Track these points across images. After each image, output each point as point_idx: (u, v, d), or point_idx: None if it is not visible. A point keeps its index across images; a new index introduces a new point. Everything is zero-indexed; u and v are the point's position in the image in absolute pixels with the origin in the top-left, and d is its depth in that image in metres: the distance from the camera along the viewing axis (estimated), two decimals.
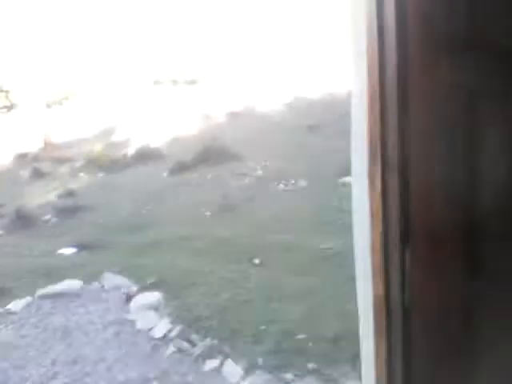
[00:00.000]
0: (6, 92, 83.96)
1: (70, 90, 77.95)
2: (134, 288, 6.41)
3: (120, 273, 8.32)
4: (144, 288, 7.14)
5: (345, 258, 7.28)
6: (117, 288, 6.45)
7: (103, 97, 67.37)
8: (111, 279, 6.70)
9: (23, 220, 16.47)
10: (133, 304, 5.87)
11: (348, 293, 5.99)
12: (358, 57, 1.97)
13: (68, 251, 12.50)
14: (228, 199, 14.30)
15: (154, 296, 6.04)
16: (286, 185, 14.92)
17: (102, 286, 6.48)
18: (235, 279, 7.29)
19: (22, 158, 33.85)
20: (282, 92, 47.16)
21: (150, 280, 8.27)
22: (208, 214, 13.73)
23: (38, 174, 26.44)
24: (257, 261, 7.98)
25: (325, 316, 5.56)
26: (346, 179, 13.94)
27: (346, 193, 12.01)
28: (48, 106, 75.72)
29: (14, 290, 9.24)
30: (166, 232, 12.59)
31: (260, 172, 18.48)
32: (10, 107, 74.94)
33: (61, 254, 12.43)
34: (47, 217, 17.41)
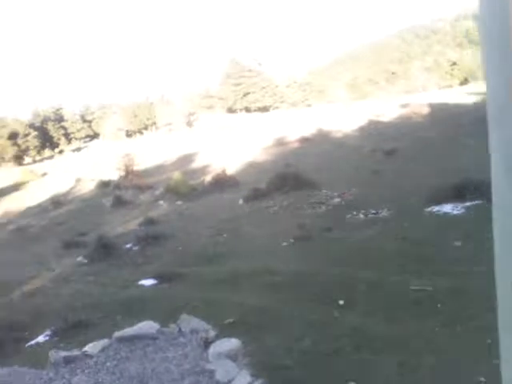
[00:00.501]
0: (90, 122, 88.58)
1: (149, 120, 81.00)
2: (212, 332, 6.14)
3: (198, 309, 8.15)
4: (222, 329, 6.88)
5: (441, 303, 6.67)
6: (194, 331, 6.20)
7: (180, 125, 69.44)
8: (188, 321, 6.47)
9: (106, 249, 16.93)
10: (211, 350, 5.59)
11: (443, 349, 5.43)
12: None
13: (148, 282, 12.57)
14: (304, 229, 13.91)
15: (232, 343, 5.73)
16: (366, 214, 14.24)
17: (180, 329, 6.26)
18: (318, 322, 6.84)
19: (104, 185, 35.48)
20: (355, 115, 46.53)
21: (229, 320, 8.01)
22: (284, 244, 13.39)
23: (119, 202, 27.48)
24: (341, 301, 7.47)
25: (420, 372, 5.01)
26: (434, 208, 13.13)
27: (434, 224, 11.26)
28: (128, 135, 79.17)
29: (94, 325, 9.35)
30: (243, 264, 12.36)
31: (337, 200, 17.98)
32: (93, 136, 78.58)
33: (141, 286, 12.51)
34: (128, 245, 17.81)
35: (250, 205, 20.54)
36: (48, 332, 9.71)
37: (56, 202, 32.53)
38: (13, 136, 78.41)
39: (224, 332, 6.59)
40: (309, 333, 6.46)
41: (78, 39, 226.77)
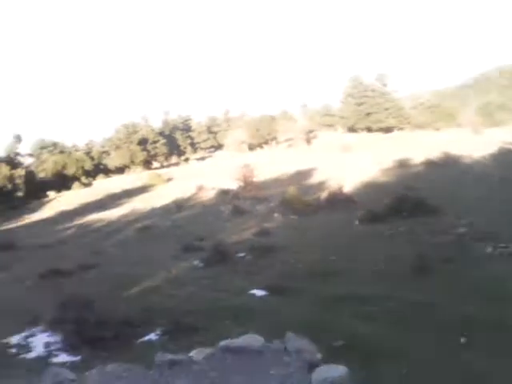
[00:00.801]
0: (215, 133, 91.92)
1: (270, 135, 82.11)
2: (318, 355, 5.93)
3: (306, 327, 7.98)
4: (330, 352, 6.65)
5: None
6: (299, 352, 6.02)
7: (300, 141, 69.75)
8: (294, 340, 6.31)
9: (221, 255, 17.43)
10: (315, 376, 5.37)
11: None
12: None
13: (259, 293, 12.71)
14: (423, 258, 13.12)
15: (339, 370, 5.47)
16: (494, 248, 13.13)
17: (285, 348, 6.13)
18: (437, 361, 6.34)
19: (224, 194, 36.67)
20: (486, 142, 43.52)
21: (337, 343, 7.76)
22: (400, 271, 12.78)
23: (237, 211, 28.24)
24: (462, 339, 6.87)
25: None
26: None
27: None
28: (250, 148, 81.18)
29: (204, 329, 9.60)
30: (354, 286, 12.01)
31: (462, 230, 16.75)
32: (217, 147, 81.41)
33: (252, 295, 12.67)
34: (242, 254, 18.17)
35: (364, 226, 19.99)
36: (159, 331, 10.17)
37: (179, 205, 34.22)
38: (143, 142, 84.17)
39: (331, 355, 6.36)
40: (426, 374, 6.00)
41: (214, 51, 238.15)
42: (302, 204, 27.26)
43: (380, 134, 70.86)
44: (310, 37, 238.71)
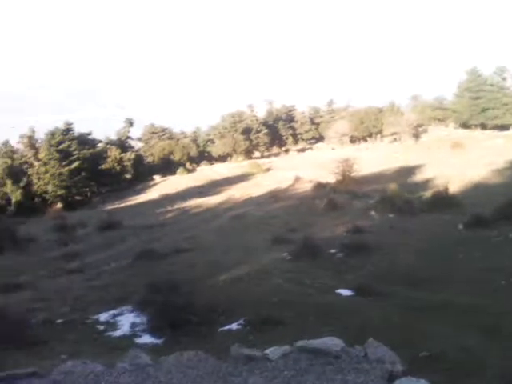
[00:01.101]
0: (317, 124, 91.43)
1: (375, 128, 79.91)
2: (400, 366, 5.44)
3: (390, 334, 7.44)
4: (414, 363, 6.12)
5: None
6: (380, 360, 5.58)
7: (407, 136, 66.96)
8: (376, 347, 5.86)
9: (311, 250, 17.03)
10: None
11: None
12: None
13: (346, 292, 12.17)
14: None
15: None
16: None
17: (365, 354, 5.71)
18: None
19: (320, 187, 36.14)
20: None
21: (423, 353, 7.19)
22: (503, 282, 11.64)
23: (332, 206, 27.59)
24: None
25: None
26: None
27: None
28: (352, 141, 79.55)
29: (285, 324, 9.33)
30: (450, 294, 11.11)
31: None
32: (318, 139, 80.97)
33: (338, 294, 12.19)
34: (333, 250, 17.61)
35: (469, 231, 18.53)
36: (241, 321, 10.07)
37: (275, 196, 34.31)
38: (246, 131, 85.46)
39: (415, 367, 5.84)
40: None
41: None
42: (403, 202, 26.01)
43: (495, 132, 66.08)
44: (424, 25, 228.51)
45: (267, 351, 5.85)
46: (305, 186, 37.68)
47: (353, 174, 36.53)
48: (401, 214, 23.99)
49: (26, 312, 10.10)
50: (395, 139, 70.99)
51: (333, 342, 5.99)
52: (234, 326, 9.85)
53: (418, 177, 37.29)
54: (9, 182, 57.09)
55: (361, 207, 27.24)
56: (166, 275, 13.66)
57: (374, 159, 48.44)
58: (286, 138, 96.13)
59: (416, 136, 66.95)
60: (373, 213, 25.37)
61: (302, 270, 15.17)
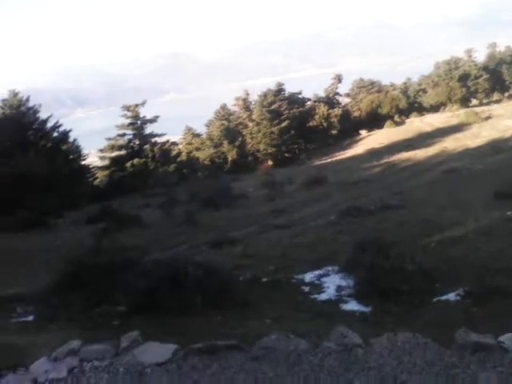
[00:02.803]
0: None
1: None
2: None
3: None
4: None
5: None
6: None
7: None
8: None
9: None
10: None
11: None
12: None
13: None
14: None
15: None
16: None
17: None
18: None
19: None
20: None
21: None
22: None
23: None
24: None
25: None
26: None
27: None
28: None
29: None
30: None
31: None
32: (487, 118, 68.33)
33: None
34: None
35: None
36: (460, 291, 8.71)
37: (495, 147, 30.42)
38: (463, 78, 78.04)
39: None
40: None
41: None
42: None
43: None
44: None
45: (502, 338, 4.67)
46: None
47: None
48: None
49: (234, 269, 10.30)
50: None
51: None
52: (451, 297, 8.55)
53: None
54: (225, 142, 62.06)
55: None
56: (374, 233, 12.81)
57: None
58: (510, 83, 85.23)
59: None
60: None
61: None
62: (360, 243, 11.37)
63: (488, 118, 52.21)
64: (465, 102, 77.11)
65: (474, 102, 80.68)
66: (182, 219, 20.15)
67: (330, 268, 11.11)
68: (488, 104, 73.71)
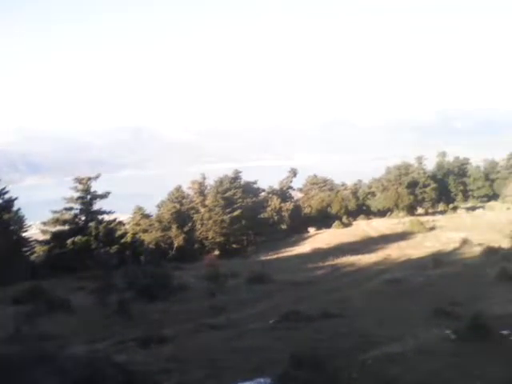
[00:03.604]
0: (492, 181, 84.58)
1: None
2: None
3: None
4: None
5: None
6: None
7: None
8: None
9: (479, 328, 14.64)
10: None
11: None
12: None
13: None
14: None
15: None
16: None
17: None
18: None
19: (492, 253, 32.14)
20: None
21: None
22: None
23: (505, 276, 24.03)
24: None
25: None
26: None
27: None
28: None
29: None
30: None
31: None
32: (491, 197, 74.37)
33: None
34: (506, 331, 14.96)
35: None
36: None
37: (437, 260, 31.32)
38: (412, 185, 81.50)
39: None
40: None
41: None
42: None
43: None
44: None
45: None
46: (473, 251, 33.97)
47: None
48: None
49: (159, 373, 9.70)
50: None
51: None
52: None
53: None
54: (175, 226, 61.32)
55: None
56: (312, 343, 12.52)
57: None
58: (455, 195, 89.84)
59: None
60: None
61: (468, 354, 12.92)
62: (295, 355, 11.02)
63: (432, 228, 54.26)
64: (411, 209, 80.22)
65: (420, 210, 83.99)
66: (114, 308, 19.24)
67: (262, 380, 10.64)
68: (433, 214, 76.94)
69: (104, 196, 50.82)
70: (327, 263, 34.89)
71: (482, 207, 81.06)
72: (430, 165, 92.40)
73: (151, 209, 70.24)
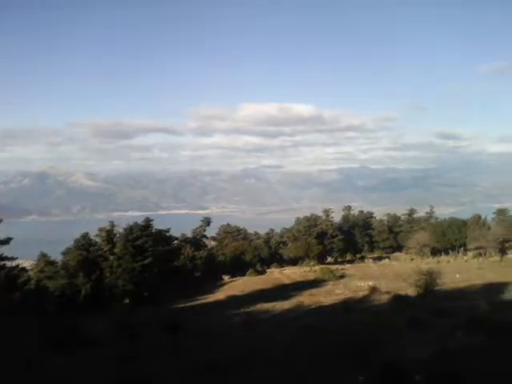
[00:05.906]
0: (396, 234, 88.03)
1: (458, 241, 75.56)
2: None
3: None
4: None
5: None
6: None
7: (492, 251, 62.42)
8: None
9: (389, 374, 14.81)
10: None
11: None
12: None
13: None
14: None
15: None
16: None
17: None
18: None
19: (399, 301, 33.05)
20: None
21: None
22: None
23: (413, 324, 24.54)
24: None
25: None
26: None
27: None
28: (433, 252, 75.36)
29: None
30: None
31: None
32: (395, 248, 77.16)
33: None
34: (417, 377, 15.21)
35: None
36: None
37: (347, 307, 31.88)
38: (321, 235, 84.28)
39: None
40: None
41: None
42: (495, 324, 22.94)
43: None
44: None
45: None
46: (381, 298, 34.97)
47: (436, 288, 33.66)
48: (493, 336, 20.91)
49: None
50: (480, 254, 66.85)
51: None
52: None
53: (508, 296, 33.66)
54: (81, 274, 58.07)
55: (446, 327, 24.29)
56: None
57: (456, 273, 45.15)
58: (362, 246, 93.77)
59: (503, 251, 62.76)
60: (460, 334, 22.43)
61: None
62: None
63: (342, 276, 55.72)
64: (321, 258, 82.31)
65: (330, 259, 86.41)
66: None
67: None
68: (342, 263, 79.29)
69: (5, 242, 47.60)
70: (242, 310, 34.30)
71: (388, 257, 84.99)
72: (337, 217, 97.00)
73: (56, 255, 66.35)
